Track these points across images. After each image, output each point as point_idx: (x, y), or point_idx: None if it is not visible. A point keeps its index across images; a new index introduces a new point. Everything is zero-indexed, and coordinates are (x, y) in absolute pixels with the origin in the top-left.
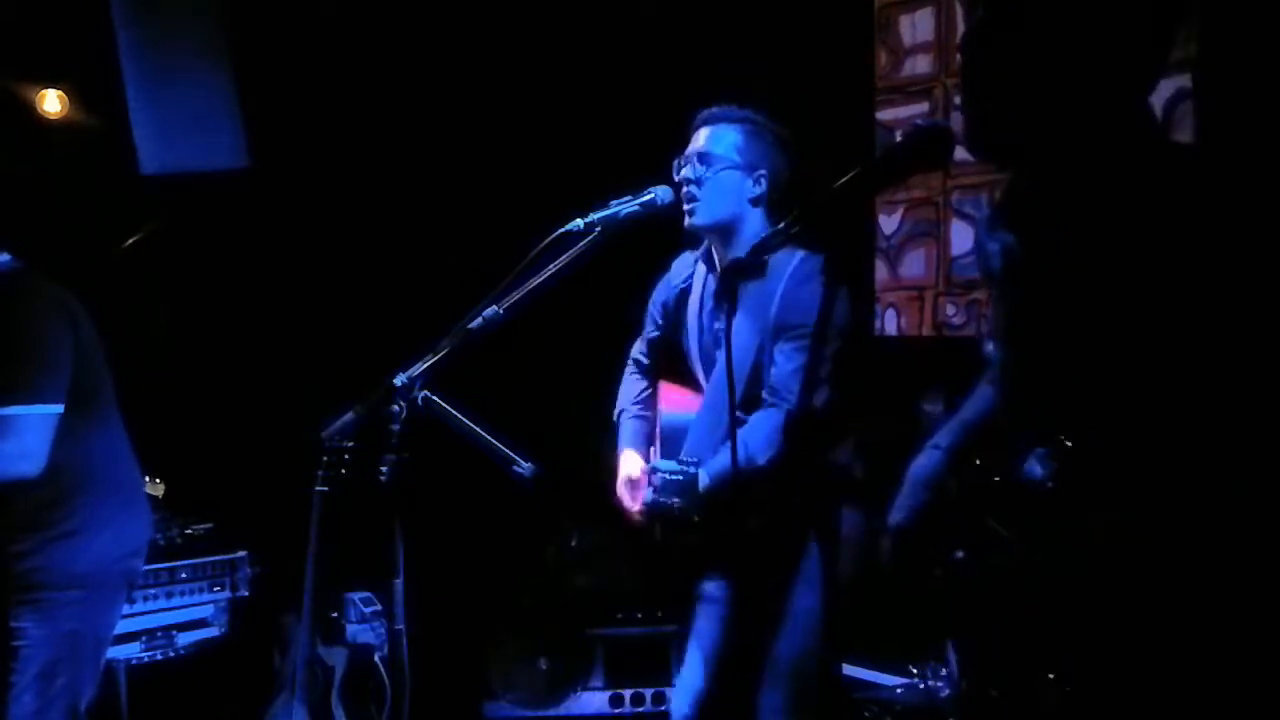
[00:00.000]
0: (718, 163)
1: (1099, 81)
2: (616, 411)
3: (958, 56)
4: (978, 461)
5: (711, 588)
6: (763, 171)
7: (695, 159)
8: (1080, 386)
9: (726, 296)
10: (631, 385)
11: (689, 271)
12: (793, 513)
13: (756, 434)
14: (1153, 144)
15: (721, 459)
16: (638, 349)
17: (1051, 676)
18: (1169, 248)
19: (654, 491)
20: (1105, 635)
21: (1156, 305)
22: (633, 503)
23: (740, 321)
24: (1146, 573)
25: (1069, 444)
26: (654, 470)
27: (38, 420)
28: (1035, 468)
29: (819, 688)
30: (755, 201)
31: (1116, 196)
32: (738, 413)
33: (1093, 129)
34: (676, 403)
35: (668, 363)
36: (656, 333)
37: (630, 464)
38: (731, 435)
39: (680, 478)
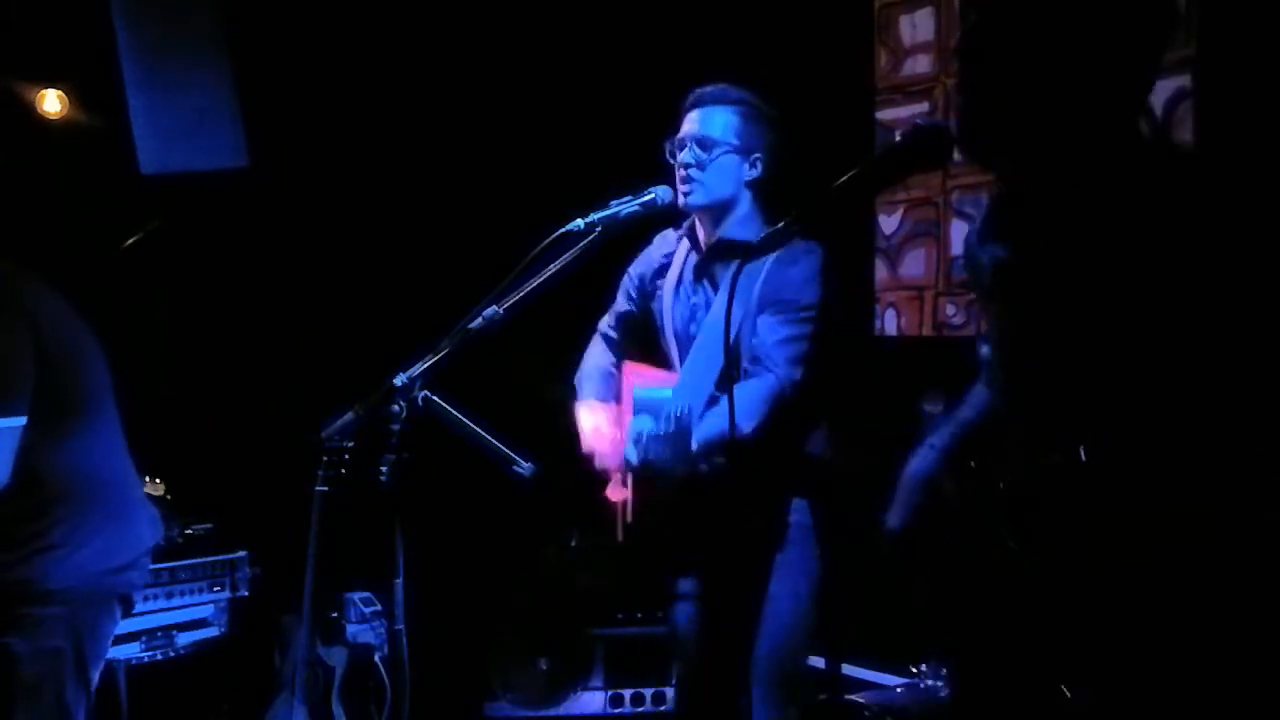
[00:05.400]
0: (717, 147)
1: (1094, 87)
2: (577, 377)
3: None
4: (973, 464)
5: (687, 585)
6: (758, 155)
7: (694, 144)
8: (1090, 396)
9: (710, 274)
10: (598, 355)
11: (671, 248)
12: (771, 507)
13: (744, 401)
14: (1150, 147)
15: (708, 424)
16: (606, 323)
17: (1065, 686)
18: (1170, 251)
19: (640, 451)
20: (1127, 644)
21: (1159, 310)
22: (607, 453)
23: (724, 298)
24: (1169, 580)
25: (1084, 455)
26: (638, 435)
27: None
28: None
29: (805, 686)
30: (750, 184)
31: (1115, 202)
32: (714, 391)
33: (1089, 134)
34: (649, 378)
35: (634, 342)
36: (629, 307)
37: (597, 413)
38: (730, 406)
39: (671, 427)
